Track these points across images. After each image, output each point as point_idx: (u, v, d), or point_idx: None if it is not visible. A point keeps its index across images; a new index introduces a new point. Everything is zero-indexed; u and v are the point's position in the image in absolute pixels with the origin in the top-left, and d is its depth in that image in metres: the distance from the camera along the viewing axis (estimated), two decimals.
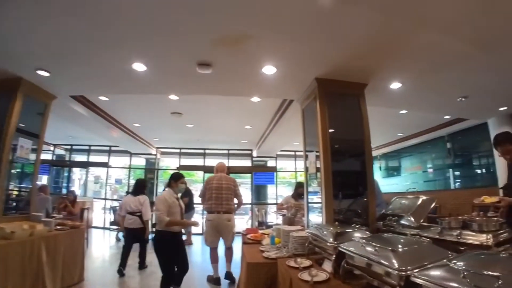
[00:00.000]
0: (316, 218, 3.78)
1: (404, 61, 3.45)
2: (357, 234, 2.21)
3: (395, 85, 4.11)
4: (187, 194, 7.57)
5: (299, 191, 5.08)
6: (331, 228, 2.36)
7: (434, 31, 2.92)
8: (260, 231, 4.18)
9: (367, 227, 3.08)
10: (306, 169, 4.01)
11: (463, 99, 4.99)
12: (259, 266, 2.69)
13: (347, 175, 3.67)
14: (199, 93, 4.56)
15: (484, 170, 8.07)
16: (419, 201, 2.62)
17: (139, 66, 3.49)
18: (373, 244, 1.60)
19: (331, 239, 2.14)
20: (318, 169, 3.55)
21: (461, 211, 6.80)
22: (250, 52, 3.12)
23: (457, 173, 8.72)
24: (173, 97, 5.27)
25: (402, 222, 2.57)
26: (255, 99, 5.31)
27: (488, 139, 7.07)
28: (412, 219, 2.46)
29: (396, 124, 7.85)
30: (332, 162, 3.39)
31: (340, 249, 1.88)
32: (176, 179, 3.66)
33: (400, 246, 1.59)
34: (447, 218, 2.26)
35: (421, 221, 2.42)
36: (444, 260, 1.31)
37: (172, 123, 7.34)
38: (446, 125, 7.91)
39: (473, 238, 1.80)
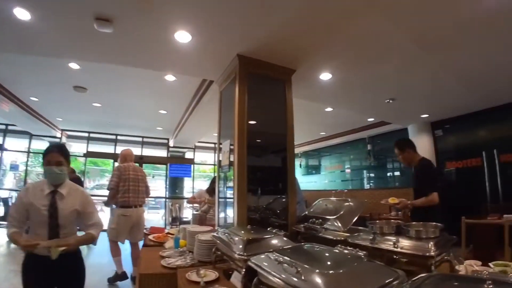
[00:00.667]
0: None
1: (337, 48, 3.14)
2: (274, 242, 1.75)
3: (325, 76, 3.82)
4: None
5: (214, 186, 4.56)
6: (241, 234, 1.86)
7: (378, 18, 2.67)
8: (167, 230, 3.56)
9: (286, 230, 2.73)
10: (219, 162, 3.47)
11: (390, 101, 5.10)
12: (154, 278, 2.00)
13: (266, 171, 3.22)
14: (101, 60, 3.56)
15: (398, 173, 8.68)
16: (347, 204, 2.32)
17: (22, 13, 2.48)
18: (295, 262, 1.14)
19: (240, 249, 1.64)
20: (232, 163, 3.06)
21: (377, 210, 7.22)
22: (161, 10, 2.43)
23: (372, 174, 9.25)
24: (73, 65, 4.27)
25: (327, 226, 2.24)
26: (170, 77, 4.55)
27: None
28: (339, 224, 2.14)
29: (320, 122, 7.85)
30: (248, 156, 2.87)
31: (250, 264, 1.39)
32: (43, 156, 2.11)
33: (330, 265, 1.21)
34: (378, 221, 1.97)
35: (348, 227, 2.11)
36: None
37: (76, 101, 6.06)
38: (368, 128, 8.24)
39: (412, 246, 1.51)
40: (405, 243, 1.52)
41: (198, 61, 3.33)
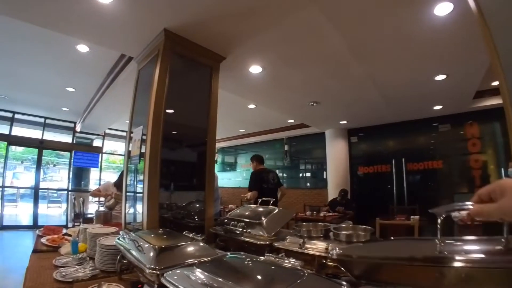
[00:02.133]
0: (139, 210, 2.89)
1: (272, 39, 2.96)
2: (191, 249, 1.44)
3: (255, 69, 3.63)
4: None
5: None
6: (152, 240, 1.50)
7: (318, 15, 2.58)
8: (65, 231, 2.93)
9: (202, 232, 2.46)
10: (128, 152, 2.97)
11: (314, 104, 5.19)
12: None
13: (182, 166, 2.85)
14: None
15: (309, 174, 9.21)
16: (274, 211, 2.10)
17: None
18: (223, 282, 0.85)
19: (151, 261, 1.29)
20: (143, 154, 2.60)
21: (293, 209, 7.52)
22: None
23: (285, 174, 9.57)
24: None
25: (250, 230, 2.00)
26: (83, 47, 3.81)
27: (322, 147, 8.04)
28: (264, 228, 1.92)
29: (241, 119, 7.76)
30: (163, 148, 2.47)
31: (164, 282, 1.06)
32: None
33: (263, 283, 0.99)
34: (304, 223, 1.82)
35: (274, 232, 1.90)
36: None
37: None
38: (287, 129, 8.49)
39: None
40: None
41: (119, 31, 2.75)
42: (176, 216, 2.69)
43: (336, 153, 7.69)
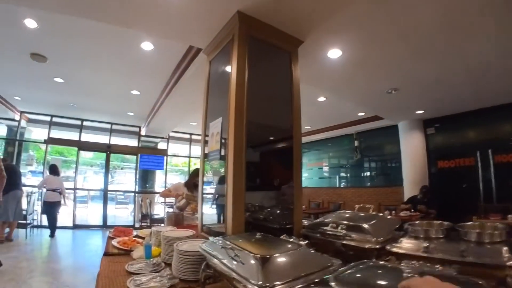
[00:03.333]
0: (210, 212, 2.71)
1: (352, 17, 2.62)
2: (300, 258, 1.17)
3: (334, 53, 3.25)
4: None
5: (196, 180, 3.83)
6: (249, 247, 1.22)
7: None
8: (135, 233, 2.78)
9: (291, 234, 2.13)
10: (204, 151, 2.74)
11: (392, 92, 4.70)
12: None
13: (266, 164, 2.57)
14: (62, 9, 2.66)
15: (381, 171, 8.50)
16: (378, 217, 1.82)
17: None
18: None
19: (256, 274, 1.00)
20: (223, 145, 2.34)
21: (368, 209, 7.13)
22: None
23: (355, 172, 8.96)
24: (30, 22, 3.36)
25: (353, 234, 1.64)
26: (147, 45, 3.74)
27: (395, 141, 7.39)
28: (370, 234, 1.55)
29: (308, 115, 7.27)
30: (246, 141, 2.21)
31: None
32: None
33: None
34: (417, 222, 1.59)
35: (382, 239, 1.53)
36: None
37: (34, 73, 5.02)
38: (356, 123, 7.95)
39: None
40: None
41: (186, 19, 2.55)
42: (259, 218, 2.40)
43: (411, 147, 6.97)
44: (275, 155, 2.69)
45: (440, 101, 5.58)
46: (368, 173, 8.74)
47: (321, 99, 5.76)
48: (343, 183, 9.26)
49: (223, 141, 2.33)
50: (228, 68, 2.43)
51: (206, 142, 2.68)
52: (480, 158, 6.08)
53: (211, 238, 1.51)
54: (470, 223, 1.49)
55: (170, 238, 1.91)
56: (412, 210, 5.62)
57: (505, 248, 1.13)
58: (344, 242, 1.61)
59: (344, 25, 2.79)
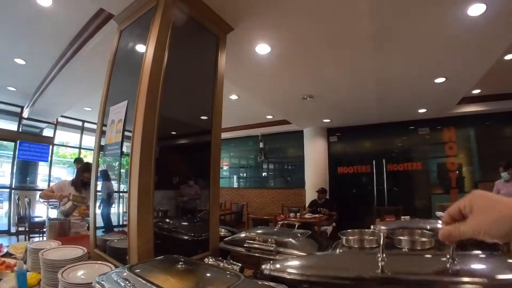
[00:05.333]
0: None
1: (294, 8, 2.45)
2: None
3: (262, 48, 3.09)
4: None
5: (86, 176, 3.17)
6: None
7: None
8: (5, 249, 2.00)
9: (204, 248, 1.98)
10: (99, 141, 2.22)
11: (308, 98, 4.85)
12: None
13: (176, 159, 2.20)
14: None
15: (284, 173, 8.86)
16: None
17: None
18: None
19: None
20: (126, 138, 1.88)
21: (269, 210, 7.61)
22: None
23: (258, 173, 9.21)
24: None
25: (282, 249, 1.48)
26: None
27: (298, 145, 7.83)
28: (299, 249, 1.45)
29: None
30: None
31: None
32: None
33: None
34: (348, 231, 1.45)
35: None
36: None
37: None
38: (264, 125, 8.12)
39: None
40: None
41: None
42: (164, 227, 2.01)
43: (315, 152, 7.50)
44: (177, 150, 2.31)
45: (346, 114, 6.10)
46: (271, 175, 9.10)
47: (234, 97, 5.61)
48: (242, 183, 9.47)
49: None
50: (142, 42, 2.00)
51: (103, 133, 2.16)
52: (376, 166, 6.97)
53: (112, 273, 1.05)
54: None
55: (52, 262, 1.38)
56: (311, 213, 5.96)
57: None
58: (277, 257, 1.44)
59: (277, 20, 2.64)
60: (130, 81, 1.96)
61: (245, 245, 1.62)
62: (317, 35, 2.91)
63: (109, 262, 1.50)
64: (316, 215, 5.63)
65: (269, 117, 7.44)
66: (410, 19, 2.67)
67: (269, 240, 1.56)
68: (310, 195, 6.98)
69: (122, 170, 2.09)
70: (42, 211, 6.85)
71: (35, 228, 5.56)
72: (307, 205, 6.66)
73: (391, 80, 4.17)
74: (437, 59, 3.46)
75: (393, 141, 7.25)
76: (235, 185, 9.48)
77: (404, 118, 6.50)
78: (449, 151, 6.50)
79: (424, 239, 1.21)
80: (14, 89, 6.11)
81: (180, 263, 1.09)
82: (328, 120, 6.79)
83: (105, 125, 2.13)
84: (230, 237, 1.80)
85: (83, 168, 3.28)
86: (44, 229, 5.50)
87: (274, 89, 4.56)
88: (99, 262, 1.47)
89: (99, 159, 2.25)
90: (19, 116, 7.43)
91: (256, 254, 1.53)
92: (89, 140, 8.84)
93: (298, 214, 5.80)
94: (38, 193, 7.26)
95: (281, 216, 5.78)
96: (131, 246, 1.62)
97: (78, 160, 5.75)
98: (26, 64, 4.61)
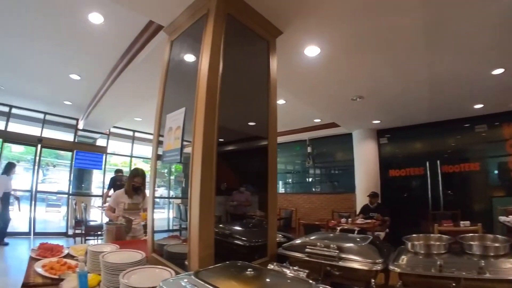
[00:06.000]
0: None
1: (340, 10, 2.37)
2: None
3: (312, 50, 3.00)
4: None
5: (135, 182, 3.24)
6: None
7: None
8: (66, 250, 2.11)
9: (263, 253, 1.92)
10: (156, 149, 2.24)
11: (358, 99, 4.66)
12: None
13: (235, 167, 2.16)
14: None
15: (334, 178, 8.60)
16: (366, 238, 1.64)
17: None
18: None
19: None
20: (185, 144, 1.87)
21: (318, 215, 7.34)
22: None
23: (307, 178, 8.97)
24: None
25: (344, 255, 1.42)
26: (96, 17, 3.04)
27: (347, 149, 7.53)
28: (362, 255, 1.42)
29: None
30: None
31: None
32: None
33: None
34: (414, 236, 1.52)
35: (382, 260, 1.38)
36: None
37: None
38: (311, 129, 7.90)
39: None
40: None
41: None
42: (223, 233, 1.99)
43: (365, 155, 7.12)
44: (230, 157, 2.27)
45: (397, 113, 5.74)
46: (321, 180, 8.80)
47: (281, 101, 5.49)
48: (288, 189, 9.30)
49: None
50: (195, 51, 1.98)
51: (160, 142, 2.17)
52: (429, 168, 6.46)
53: (179, 279, 1.02)
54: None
55: (113, 265, 1.42)
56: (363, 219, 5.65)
57: None
58: (340, 263, 1.43)
59: (327, 21, 2.54)
60: (184, 89, 1.96)
61: (306, 250, 1.58)
62: (367, 33, 2.77)
63: (167, 266, 1.53)
64: (369, 221, 5.33)
65: (317, 120, 7.25)
66: (461, 10, 2.45)
67: (331, 245, 1.50)
68: (361, 199, 6.66)
69: (172, 177, 2.09)
70: (97, 216, 7.26)
71: (91, 231, 5.92)
72: (357, 209, 6.36)
73: (443, 75, 3.85)
74: (491, 48, 3.12)
75: (447, 140, 6.66)
76: (281, 190, 9.33)
77: (458, 115, 5.97)
78: (511, 149, 5.81)
79: (497, 244, 1.21)
80: (70, 103, 6.57)
81: (248, 269, 1.08)
82: (378, 121, 6.47)
83: (162, 136, 2.14)
84: (288, 243, 1.77)
85: (133, 173, 3.36)
86: (99, 232, 5.86)
87: (323, 91, 4.43)
88: (159, 266, 1.51)
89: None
90: (75, 128, 8.01)
91: (319, 260, 1.50)
92: (139, 149, 9.25)
93: (349, 219, 5.55)
94: (93, 198, 7.76)
95: (332, 221, 5.55)
96: (192, 251, 1.61)
97: (118, 171, 6.09)
98: (81, 79, 4.89)
